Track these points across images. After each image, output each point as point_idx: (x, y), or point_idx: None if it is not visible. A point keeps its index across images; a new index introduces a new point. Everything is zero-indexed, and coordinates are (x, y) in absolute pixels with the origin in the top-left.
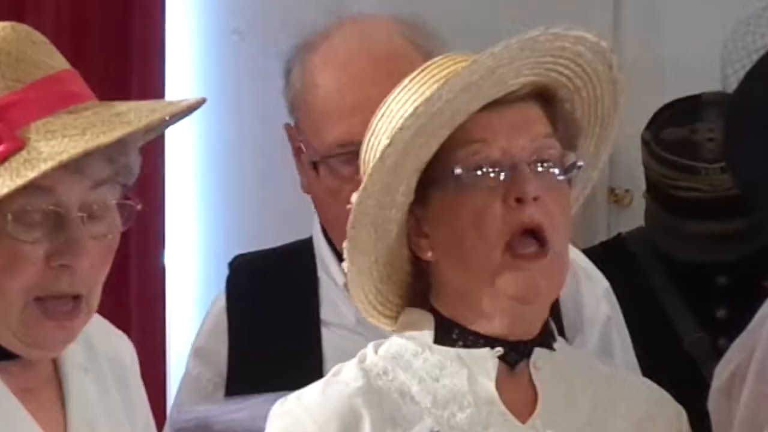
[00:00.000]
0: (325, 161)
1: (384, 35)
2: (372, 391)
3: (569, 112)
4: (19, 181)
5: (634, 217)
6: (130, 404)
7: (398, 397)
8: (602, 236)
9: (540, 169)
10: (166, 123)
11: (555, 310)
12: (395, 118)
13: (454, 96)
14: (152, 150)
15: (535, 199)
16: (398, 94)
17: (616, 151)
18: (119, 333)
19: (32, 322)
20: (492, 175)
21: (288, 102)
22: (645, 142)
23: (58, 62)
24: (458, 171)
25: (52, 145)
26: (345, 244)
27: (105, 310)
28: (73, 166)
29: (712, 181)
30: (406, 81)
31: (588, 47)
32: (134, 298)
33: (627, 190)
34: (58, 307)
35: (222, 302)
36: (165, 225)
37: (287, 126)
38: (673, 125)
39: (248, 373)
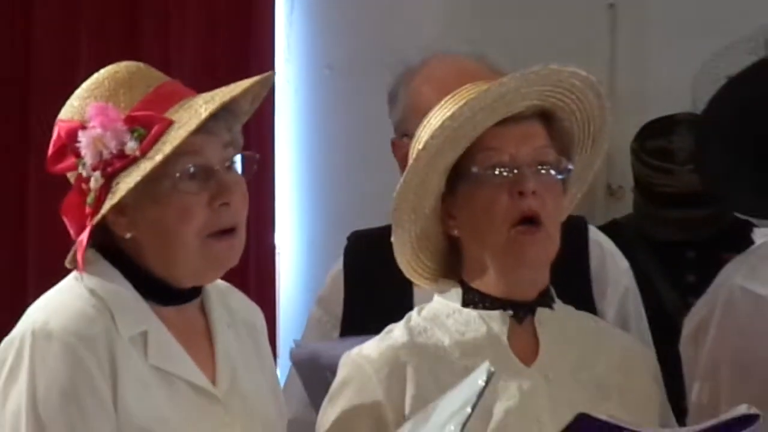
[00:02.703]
0: None
1: (469, 61)
2: (414, 345)
3: (566, 128)
4: (173, 145)
5: (626, 207)
6: (261, 358)
7: (434, 349)
8: (601, 222)
9: (542, 171)
10: (254, 100)
11: (585, 281)
12: (430, 129)
13: (473, 114)
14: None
15: (533, 192)
16: (437, 110)
17: (612, 155)
18: (254, 304)
19: (209, 250)
20: (503, 174)
21: (397, 120)
22: (633, 150)
23: (164, 77)
24: (475, 170)
25: (189, 116)
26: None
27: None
28: (209, 130)
29: (684, 180)
30: (443, 101)
31: (580, 80)
32: (252, 275)
33: (621, 186)
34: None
35: (340, 266)
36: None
37: (394, 141)
38: (655, 137)
39: (357, 318)
